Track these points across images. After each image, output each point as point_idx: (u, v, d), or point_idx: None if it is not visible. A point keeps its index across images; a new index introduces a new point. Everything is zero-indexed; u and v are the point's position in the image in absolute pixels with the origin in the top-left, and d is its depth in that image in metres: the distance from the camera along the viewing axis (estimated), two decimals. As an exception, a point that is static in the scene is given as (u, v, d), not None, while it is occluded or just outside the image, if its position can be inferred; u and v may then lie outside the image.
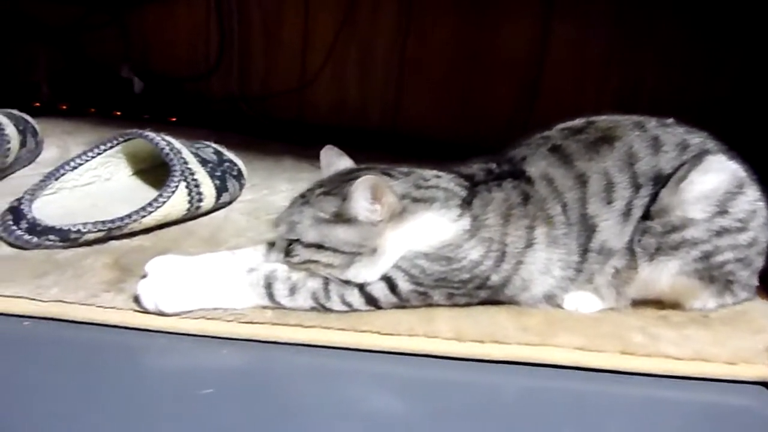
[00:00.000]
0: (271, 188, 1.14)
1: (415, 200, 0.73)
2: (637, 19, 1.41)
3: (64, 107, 1.37)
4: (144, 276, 0.73)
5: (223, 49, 1.42)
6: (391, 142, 1.40)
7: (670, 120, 0.82)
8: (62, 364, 0.64)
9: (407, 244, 0.72)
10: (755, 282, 0.83)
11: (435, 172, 0.78)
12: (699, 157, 0.77)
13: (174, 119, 1.33)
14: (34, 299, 0.69)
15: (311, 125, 1.49)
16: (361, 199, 0.68)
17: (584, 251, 0.77)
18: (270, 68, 1.46)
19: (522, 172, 0.79)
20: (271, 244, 0.79)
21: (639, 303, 0.83)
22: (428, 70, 1.45)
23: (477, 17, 1.41)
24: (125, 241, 0.86)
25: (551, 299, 0.79)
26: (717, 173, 0.76)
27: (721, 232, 0.75)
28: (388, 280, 0.72)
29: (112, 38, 1.44)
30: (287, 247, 0.73)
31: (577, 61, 1.43)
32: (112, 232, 0.83)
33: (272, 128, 1.45)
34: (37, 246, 0.80)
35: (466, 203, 0.75)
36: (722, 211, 0.75)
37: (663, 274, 0.77)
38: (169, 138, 0.96)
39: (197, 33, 1.44)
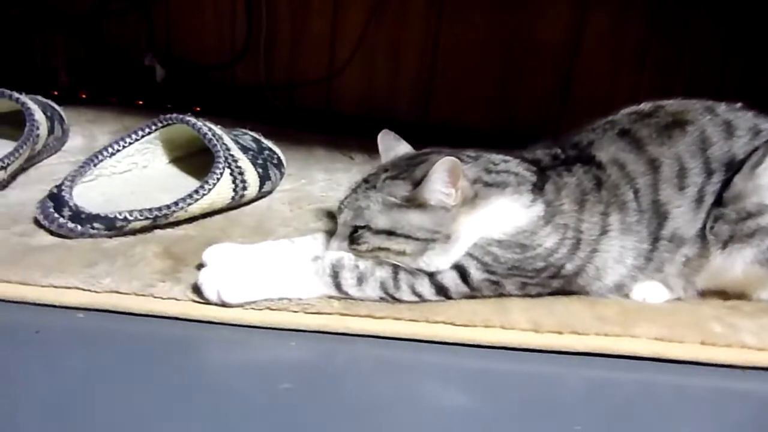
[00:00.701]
0: (309, 178, 1.10)
1: (487, 185, 0.70)
2: (674, 10, 1.38)
3: (84, 96, 1.32)
4: (201, 265, 0.70)
5: (250, 37, 1.37)
6: (422, 132, 1.36)
7: (739, 105, 0.80)
8: (122, 359, 0.60)
9: (480, 230, 0.69)
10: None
11: (502, 156, 0.75)
12: (772, 141, 0.75)
13: (198, 108, 1.29)
14: (87, 290, 0.65)
15: (339, 115, 1.44)
16: (439, 181, 0.64)
17: (655, 239, 0.75)
18: (297, 57, 1.42)
19: (591, 157, 0.76)
20: (330, 233, 0.76)
21: (704, 294, 0.80)
22: (461, 58, 1.41)
23: (512, 5, 1.37)
24: (170, 230, 0.82)
25: (620, 289, 0.76)
26: (794, 158, 0.73)
27: (798, 220, 0.73)
28: (459, 268, 0.69)
29: (134, 25, 1.39)
30: (353, 235, 0.69)
31: (612, 51, 1.40)
32: (157, 220, 0.79)
33: (299, 118, 1.40)
34: (82, 234, 0.75)
35: (538, 188, 0.71)
36: (801, 198, 0.73)
37: (736, 263, 0.74)
38: (209, 124, 0.92)
39: (223, 20, 1.40)
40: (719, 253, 0.75)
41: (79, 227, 0.75)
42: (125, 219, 0.76)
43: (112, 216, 0.76)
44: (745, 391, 0.68)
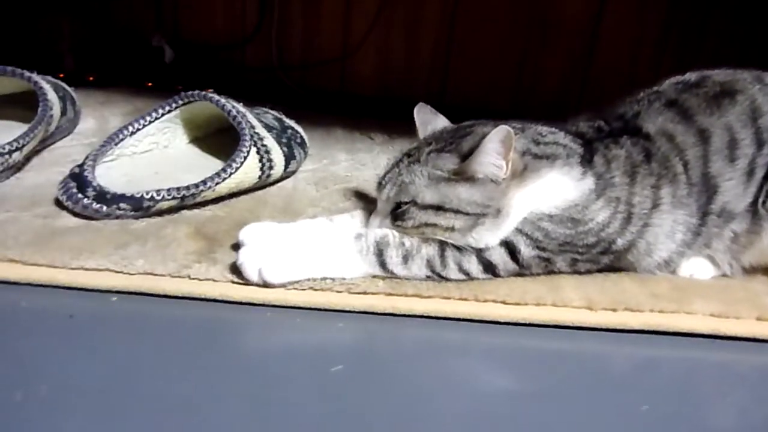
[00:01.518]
0: (330, 158, 1.07)
1: (537, 157, 0.67)
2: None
3: (91, 78, 1.27)
4: (236, 246, 0.67)
5: (262, 16, 1.33)
6: (441, 109, 1.33)
7: (787, 74, 0.77)
8: (160, 343, 0.57)
9: (531, 204, 0.66)
10: None
11: (548, 127, 0.72)
12: (824, 111, 0.72)
13: (210, 90, 1.24)
14: (120, 272, 0.62)
15: (354, 95, 1.41)
16: (491, 152, 0.61)
17: (704, 213, 0.72)
18: (310, 36, 1.37)
19: (638, 129, 0.73)
20: (367, 212, 0.73)
21: (748, 271, 0.78)
22: (479, 37, 1.37)
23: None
24: (196, 211, 0.79)
25: (668, 265, 0.73)
26: None
27: None
28: (508, 245, 0.66)
29: (141, 6, 1.34)
30: (396, 211, 0.66)
31: (632, 32, 1.36)
32: (185, 200, 0.76)
33: (313, 99, 1.36)
34: (107, 215, 0.72)
35: (587, 161, 0.69)
36: None
37: (789, 238, 0.72)
38: (232, 101, 0.88)
39: (233, 1, 1.35)
40: (771, 228, 0.72)
41: (105, 208, 0.71)
42: (152, 199, 0.73)
43: (138, 196, 0.72)
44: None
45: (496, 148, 0.61)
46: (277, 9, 1.34)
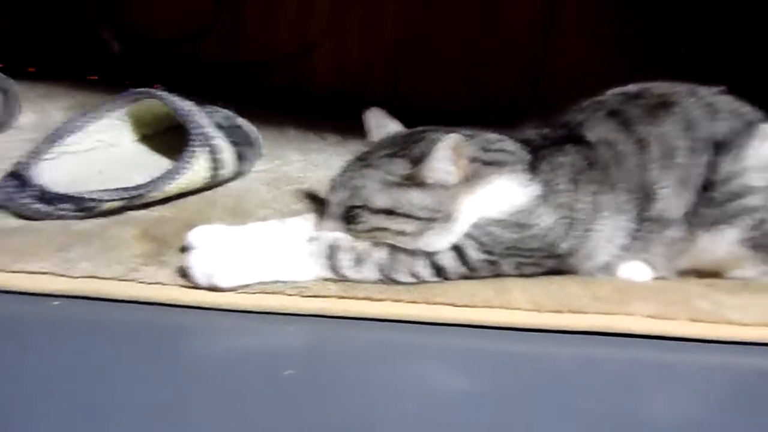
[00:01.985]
0: (283, 159, 1.06)
1: (485, 163, 0.69)
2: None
3: (32, 70, 1.22)
4: (185, 248, 0.66)
5: (218, 10, 1.31)
6: (393, 112, 1.34)
7: (720, 88, 0.81)
8: (105, 348, 0.55)
9: (479, 210, 0.68)
10: (792, 251, 0.84)
11: (497, 135, 0.74)
12: (753, 125, 0.77)
13: (159, 86, 1.21)
14: (63, 275, 0.60)
15: (310, 94, 1.40)
16: (442, 159, 0.63)
17: (642, 220, 0.75)
18: (266, 33, 1.36)
19: (581, 137, 0.76)
20: (320, 214, 0.73)
21: (682, 273, 0.82)
22: (435, 39, 1.39)
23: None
24: (143, 212, 0.77)
25: (609, 268, 0.76)
26: (775, 140, 0.75)
27: (776, 200, 0.75)
28: (458, 249, 0.68)
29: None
30: (349, 215, 0.67)
31: (585, 32, 1.41)
32: (132, 201, 0.74)
33: (266, 96, 1.35)
34: (48, 216, 0.70)
35: (533, 168, 0.71)
36: (779, 179, 0.75)
37: (720, 244, 0.76)
38: (183, 99, 0.87)
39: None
40: (705, 235, 0.76)
41: (46, 208, 0.70)
42: (96, 199, 0.71)
43: (81, 196, 0.70)
44: (728, 365, 0.70)
45: (446, 154, 0.63)
46: (232, 5, 1.32)
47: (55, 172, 0.76)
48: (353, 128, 1.24)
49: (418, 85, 1.43)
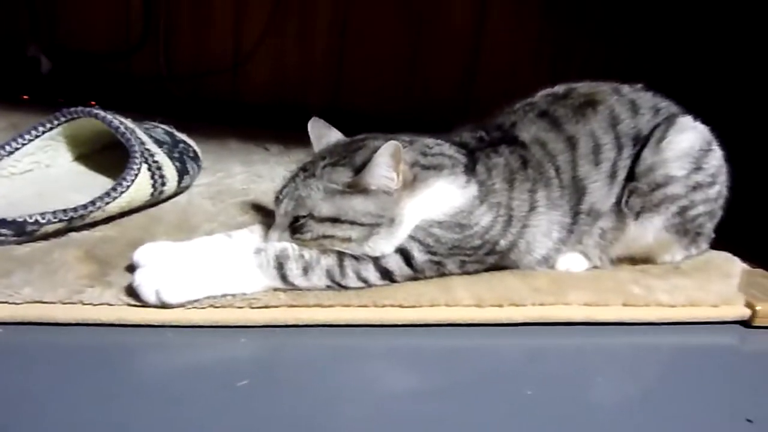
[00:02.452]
0: (226, 171, 1.06)
1: (425, 168, 0.71)
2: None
3: (-44, 91, 1.18)
4: (131, 267, 0.65)
5: (148, 25, 1.29)
6: (333, 119, 1.35)
7: (640, 85, 0.87)
8: (54, 374, 0.55)
9: (421, 212, 0.70)
10: (712, 234, 0.90)
11: (434, 140, 0.77)
12: (671, 118, 0.82)
13: (93, 102, 1.19)
14: (5, 302, 0.59)
15: (247, 104, 1.40)
16: (382, 166, 0.65)
17: (575, 213, 0.80)
18: (200, 45, 1.35)
19: (514, 138, 0.79)
20: (266, 225, 0.74)
21: (616, 261, 0.87)
22: (370, 44, 1.42)
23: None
24: (86, 232, 0.76)
25: (547, 261, 0.80)
26: (691, 132, 0.81)
27: (696, 187, 0.81)
28: (403, 251, 0.70)
29: (14, 13, 1.26)
30: (295, 224, 0.68)
31: (513, 32, 1.46)
32: (73, 222, 0.73)
33: (205, 109, 1.34)
34: (-13, 242, 0.68)
35: (470, 170, 0.74)
36: (697, 168, 0.81)
37: (648, 231, 0.82)
38: (120, 117, 0.85)
39: (116, 7, 1.30)
40: (633, 224, 0.81)
41: (-17, 234, 0.67)
42: (37, 222, 0.69)
43: (21, 220, 0.69)
44: (660, 344, 0.75)
45: (386, 161, 0.65)
46: (163, 18, 1.30)
47: (-10, 197, 0.74)
48: (295, 137, 1.25)
49: (357, 90, 1.45)
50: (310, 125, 0.78)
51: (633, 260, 0.87)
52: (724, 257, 0.91)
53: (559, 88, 0.85)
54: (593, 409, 0.61)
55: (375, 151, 0.65)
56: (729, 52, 1.46)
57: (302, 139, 1.25)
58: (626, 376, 0.69)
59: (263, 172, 1.08)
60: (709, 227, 0.87)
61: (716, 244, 0.92)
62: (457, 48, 1.46)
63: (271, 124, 1.33)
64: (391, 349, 0.66)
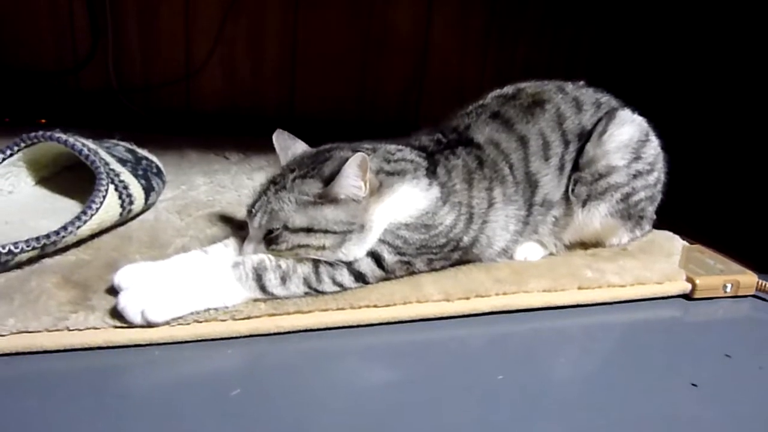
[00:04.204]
0: (188, 184, 1.07)
1: (389, 174, 0.75)
2: (509, 2, 1.53)
3: None
4: (112, 289, 0.67)
5: (97, 39, 1.27)
6: (288, 125, 1.36)
7: (582, 82, 0.93)
8: (49, 401, 0.56)
9: (389, 216, 0.74)
10: (654, 216, 0.98)
11: (395, 145, 0.81)
12: (611, 112, 0.89)
13: (44, 120, 1.17)
14: (-9, 335, 0.60)
15: (202, 113, 1.40)
16: (350, 176, 0.68)
17: (530, 205, 0.85)
18: (150, 56, 1.34)
19: (470, 139, 0.84)
20: (239, 238, 0.76)
21: (569, 247, 0.94)
22: (321, 50, 1.44)
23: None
24: (59, 257, 0.77)
25: (506, 252, 0.86)
26: (630, 125, 0.88)
27: (636, 175, 0.88)
28: (374, 255, 0.74)
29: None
30: (269, 236, 0.71)
31: (458, 37, 1.52)
32: (46, 249, 0.74)
33: (159, 120, 1.34)
34: (-40, 276, 0.68)
35: (431, 172, 0.78)
36: (637, 157, 0.88)
37: (594, 217, 0.88)
38: (81, 138, 0.86)
39: (60, 22, 1.27)
40: (581, 211, 0.88)
41: (-43, 268, 0.68)
42: (10, 252, 0.70)
43: (-5, 251, 0.69)
44: (613, 321, 0.82)
45: (354, 172, 0.68)
46: (110, 31, 1.29)
47: (-43, 229, 0.74)
48: (253, 143, 1.28)
49: (311, 95, 1.47)
50: (275, 137, 0.81)
51: (584, 245, 0.94)
52: (666, 236, 0.99)
53: (509, 89, 0.91)
54: (558, 386, 0.66)
55: (342, 161, 0.69)
56: (665, 51, 1.56)
57: (260, 146, 1.28)
58: (584, 354, 0.75)
59: (226, 182, 1.10)
60: (650, 210, 0.95)
61: (658, 223, 1.00)
62: (405, 53, 1.51)
63: (228, 132, 1.34)
64: (369, 346, 0.70)
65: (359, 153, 0.67)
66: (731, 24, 1.40)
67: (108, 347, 0.62)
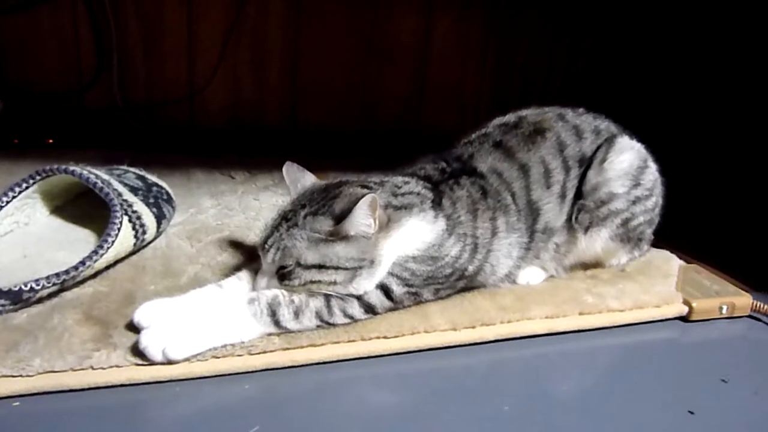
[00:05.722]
0: (197, 206, 1.09)
1: (396, 208, 0.77)
2: (508, 10, 1.55)
3: None
4: (131, 324, 0.70)
5: (102, 59, 1.28)
6: (290, 138, 1.38)
7: (581, 109, 0.95)
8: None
9: (397, 250, 0.76)
10: (652, 236, 1.01)
11: (402, 178, 0.83)
12: (611, 140, 0.91)
13: (51, 141, 1.19)
14: (18, 375, 0.63)
15: (205, 130, 1.42)
16: (361, 216, 0.71)
17: (532, 233, 0.88)
18: (155, 76, 1.36)
19: (473, 169, 0.86)
20: (252, 270, 0.79)
21: (570, 269, 0.97)
22: (322, 63, 1.45)
23: (366, 11, 1.44)
24: (76, 290, 0.79)
25: (509, 277, 0.89)
26: (629, 152, 0.90)
27: (636, 201, 0.91)
28: (383, 287, 0.76)
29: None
30: (282, 272, 0.73)
31: (457, 49, 1.53)
32: (65, 284, 0.76)
33: (163, 138, 1.36)
34: (-16, 314, 0.70)
35: (437, 204, 0.81)
36: (636, 184, 0.90)
37: (596, 243, 0.91)
38: (94, 170, 0.88)
39: (66, 43, 1.29)
40: (583, 237, 0.90)
41: (-19, 307, 0.70)
42: (32, 289, 0.72)
43: (17, 288, 0.71)
44: (612, 345, 0.85)
45: (365, 211, 0.70)
46: (115, 52, 1.31)
47: (-22, 265, 0.77)
48: (258, 162, 1.30)
49: (313, 109, 1.49)
50: (285, 170, 0.83)
51: (584, 266, 0.97)
52: (664, 257, 1.02)
53: (510, 117, 0.93)
54: (555, 407, 0.69)
55: (352, 200, 0.71)
56: (664, 58, 1.59)
57: (264, 164, 1.30)
58: (585, 381, 0.77)
59: (233, 204, 1.12)
60: (648, 232, 0.98)
61: (656, 241, 1.02)
62: (406, 63, 1.52)
63: (231, 147, 1.36)
64: (380, 376, 0.73)
65: (369, 195, 0.69)
66: (734, 30, 1.42)
67: (130, 384, 0.65)
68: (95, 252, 0.79)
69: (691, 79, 1.51)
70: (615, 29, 1.64)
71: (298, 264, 0.72)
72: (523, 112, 0.93)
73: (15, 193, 0.84)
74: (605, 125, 0.94)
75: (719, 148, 1.43)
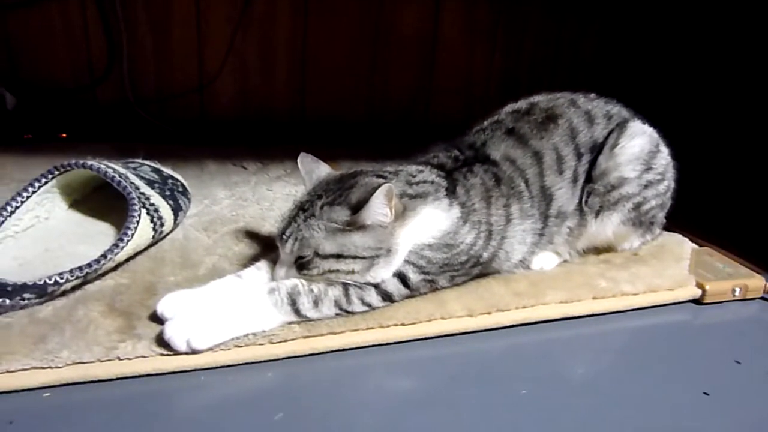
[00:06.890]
0: (211, 198, 1.10)
1: (411, 197, 0.78)
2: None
3: None
4: (154, 315, 0.71)
5: (113, 53, 1.29)
6: (300, 128, 1.39)
7: (593, 95, 0.95)
8: (107, 427, 0.61)
9: (413, 238, 0.77)
10: (664, 220, 1.01)
11: (416, 166, 0.84)
12: (622, 124, 0.92)
13: (65, 135, 1.20)
14: (48, 367, 0.64)
15: (216, 122, 1.43)
16: (378, 205, 0.71)
17: (545, 218, 0.89)
18: (165, 69, 1.36)
19: (487, 157, 0.87)
20: (271, 260, 0.80)
21: (582, 253, 0.97)
22: (331, 53, 1.46)
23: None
24: (98, 283, 0.81)
25: (523, 263, 0.90)
26: (641, 137, 0.91)
27: (647, 185, 0.91)
28: (399, 275, 0.77)
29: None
30: (300, 261, 0.74)
31: (466, 35, 1.53)
32: (88, 276, 0.78)
33: (174, 129, 1.37)
34: (12, 308, 0.72)
35: (451, 192, 0.81)
36: (648, 168, 0.91)
37: (608, 226, 0.92)
38: (111, 164, 0.89)
39: (76, 38, 1.29)
40: (594, 221, 0.91)
41: (8, 301, 0.71)
42: (56, 283, 0.74)
43: (42, 282, 0.73)
44: (626, 328, 0.86)
45: (381, 201, 0.71)
46: (125, 46, 1.31)
47: (2, 260, 0.78)
48: (268, 152, 1.31)
49: (322, 98, 1.49)
50: (300, 162, 0.84)
51: (597, 250, 0.98)
52: (676, 240, 1.03)
53: (522, 104, 0.93)
54: (570, 390, 0.70)
55: (369, 190, 0.72)
56: (671, 45, 1.58)
57: (276, 154, 1.31)
58: (599, 364, 0.78)
59: (247, 195, 1.13)
60: (660, 216, 0.98)
61: (669, 225, 1.03)
62: (414, 52, 1.52)
63: (242, 139, 1.37)
64: (398, 362, 0.74)
65: (385, 185, 0.70)
66: (744, 12, 1.41)
67: (156, 374, 0.67)
68: (116, 245, 0.80)
69: (703, 61, 1.51)
70: (622, 14, 1.64)
71: (317, 254, 0.73)
72: (535, 99, 0.94)
73: (35, 188, 0.85)
74: (617, 110, 0.94)
75: (730, 130, 1.43)
